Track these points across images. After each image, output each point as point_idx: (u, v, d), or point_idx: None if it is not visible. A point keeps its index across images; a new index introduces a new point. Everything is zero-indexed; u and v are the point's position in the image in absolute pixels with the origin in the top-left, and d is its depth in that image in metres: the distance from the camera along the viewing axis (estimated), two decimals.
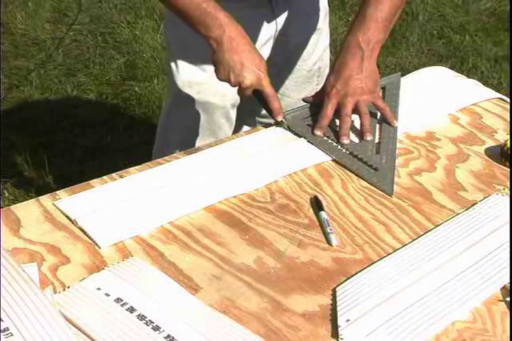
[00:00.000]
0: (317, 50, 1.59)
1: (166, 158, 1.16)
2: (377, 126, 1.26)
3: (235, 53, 1.19)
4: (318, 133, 1.22)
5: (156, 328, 0.81)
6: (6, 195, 2.17)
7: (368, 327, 0.84)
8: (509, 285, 0.91)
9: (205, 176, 1.10)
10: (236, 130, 1.67)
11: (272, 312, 0.87)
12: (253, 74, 1.20)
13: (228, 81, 1.22)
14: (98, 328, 0.81)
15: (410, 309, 0.86)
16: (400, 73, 1.45)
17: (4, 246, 0.92)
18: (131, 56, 3.01)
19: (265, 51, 1.48)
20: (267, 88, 1.22)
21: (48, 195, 1.05)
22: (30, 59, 2.99)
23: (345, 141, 1.20)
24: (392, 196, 1.09)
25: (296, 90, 1.62)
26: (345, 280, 0.91)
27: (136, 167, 1.13)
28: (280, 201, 1.07)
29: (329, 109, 1.23)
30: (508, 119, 1.31)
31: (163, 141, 1.64)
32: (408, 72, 1.52)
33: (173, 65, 1.50)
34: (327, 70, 1.63)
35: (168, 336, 0.80)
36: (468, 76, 1.54)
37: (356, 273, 0.93)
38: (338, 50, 1.27)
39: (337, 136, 1.22)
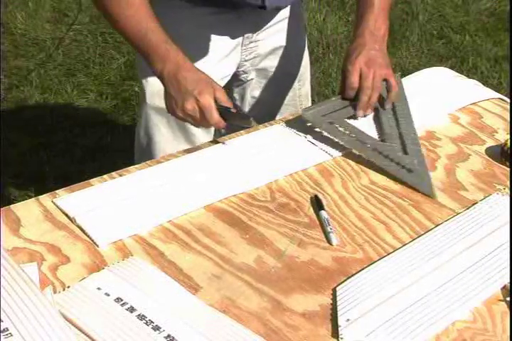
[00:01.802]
0: (293, 54, 1.56)
1: (166, 156, 1.16)
2: (394, 122, 1.25)
3: (176, 81, 1.17)
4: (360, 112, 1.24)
5: (156, 328, 0.81)
6: (6, 194, 2.17)
7: (368, 326, 0.83)
8: (509, 285, 0.91)
9: (204, 175, 1.10)
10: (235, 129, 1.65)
11: (272, 311, 0.86)
12: (207, 88, 1.16)
13: (183, 107, 1.16)
14: (98, 328, 0.81)
15: (410, 309, 0.86)
16: (399, 73, 1.45)
17: (4, 246, 0.91)
18: (131, 56, 3.00)
19: (234, 57, 1.46)
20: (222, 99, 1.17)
21: (48, 194, 1.05)
22: (30, 59, 2.99)
23: (361, 115, 1.23)
24: (435, 198, 1.08)
25: (278, 95, 1.59)
26: (345, 280, 0.91)
27: (136, 166, 1.13)
28: (280, 200, 1.07)
29: (355, 76, 1.24)
30: (508, 119, 1.31)
31: (141, 156, 1.53)
32: (408, 72, 1.53)
33: (142, 77, 1.45)
34: (307, 74, 1.60)
35: (168, 336, 0.80)
36: (468, 76, 1.54)
37: (356, 273, 0.92)
38: (351, 38, 1.30)
39: (355, 108, 1.23)
